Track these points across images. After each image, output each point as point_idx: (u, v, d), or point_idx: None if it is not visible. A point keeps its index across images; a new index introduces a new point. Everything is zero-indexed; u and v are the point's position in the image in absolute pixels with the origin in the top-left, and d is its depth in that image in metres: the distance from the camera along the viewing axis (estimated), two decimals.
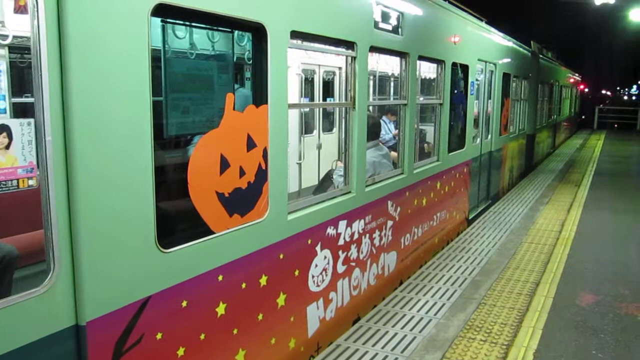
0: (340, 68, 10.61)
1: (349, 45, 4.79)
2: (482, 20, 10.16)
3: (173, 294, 3.05)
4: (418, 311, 5.58)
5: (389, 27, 5.52)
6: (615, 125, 36.10)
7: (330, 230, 4.68)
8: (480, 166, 9.84)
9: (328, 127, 10.13)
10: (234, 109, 3.43)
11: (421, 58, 6.46)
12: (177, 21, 3.18)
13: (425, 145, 7.96)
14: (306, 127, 10.05)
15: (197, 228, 3.23)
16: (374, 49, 5.26)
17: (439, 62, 7.21)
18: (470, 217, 9.20)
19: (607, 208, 10.82)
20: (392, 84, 10.79)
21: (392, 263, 6.09)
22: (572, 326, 5.30)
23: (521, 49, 13.28)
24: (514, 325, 5.23)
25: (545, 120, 18.38)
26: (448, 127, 7.61)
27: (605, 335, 5.16)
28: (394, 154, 8.41)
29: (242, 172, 3.52)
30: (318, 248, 4.50)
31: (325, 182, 6.76)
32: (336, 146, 8.83)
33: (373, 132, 6.12)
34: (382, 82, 10.57)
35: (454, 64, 7.70)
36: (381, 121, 9.48)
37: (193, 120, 3.20)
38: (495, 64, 10.26)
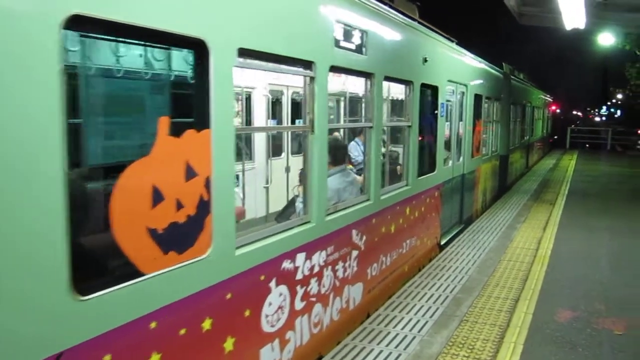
0: None
1: (307, 64, 4.48)
2: (452, 41, 10.01)
3: (93, 348, 2.63)
4: (402, 329, 5.64)
5: (352, 46, 5.23)
6: (587, 145, 36.57)
7: (287, 264, 4.30)
8: (452, 189, 9.59)
9: (297, 149, 9.82)
10: (170, 134, 3.06)
11: (388, 79, 6.18)
12: (101, 35, 2.82)
13: (398, 167, 7.69)
14: (274, 150, 9.72)
15: (122, 269, 2.83)
16: (335, 69, 4.96)
17: (407, 83, 6.96)
18: (442, 243, 8.90)
19: (582, 226, 10.96)
20: (363, 105, 10.58)
21: (358, 295, 5.72)
22: (552, 341, 5.44)
23: (493, 71, 13.20)
24: (496, 341, 5.35)
25: (518, 141, 18.34)
26: (417, 150, 7.33)
27: (583, 349, 5.31)
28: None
29: (179, 205, 3.14)
30: (272, 284, 4.11)
31: (289, 209, 6.40)
32: None
33: (338, 157, 5.81)
34: (353, 103, 10.35)
35: (423, 85, 7.45)
36: (353, 143, 9.22)
37: (117, 147, 2.81)
38: (466, 85, 10.09)
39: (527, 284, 7.10)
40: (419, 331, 5.58)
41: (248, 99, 9.35)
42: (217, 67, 3.33)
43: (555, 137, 38.65)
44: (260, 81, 9.03)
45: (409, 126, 7.08)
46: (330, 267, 5.01)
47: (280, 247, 4.20)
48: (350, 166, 9.94)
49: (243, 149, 8.54)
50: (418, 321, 5.84)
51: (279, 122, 10.05)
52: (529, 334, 5.55)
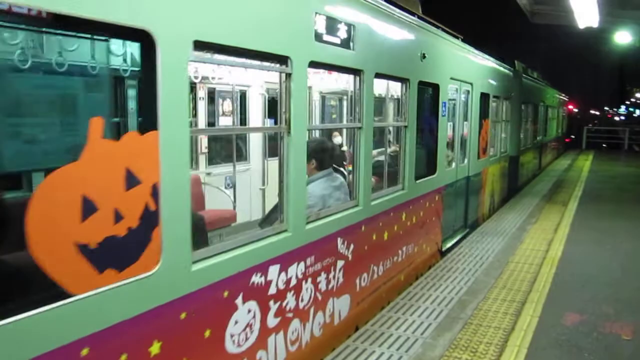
0: (310, 87, 10.04)
1: (281, 60, 4.11)
2: (457, 38, 9.57)
3: None
4: (405, 331, 5.54)
5: (337, 40, 4.84)
6: (604, 145, 35.78)
7: (257, 278, 3.93)
8: (456, 193, 9.15)
9: None
10: (105, 136, 2.70)
11: (380, 76, 5.78)
12: (19, 25, 2.47)
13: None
14: (272, 149, 9.34)
15: (44, 291, 2.49)
16: (316, 65, 4.59)
17: (403, 80, 6.55)
18: (444, 249, 8.47)
19: (594, 227, 10.66)
20: (350, 104, 10.18)
21: (345, 308, 5.33)
22: (557, 345, 5.31)
23: (501, 68, 12.71)
24: (500, 345, 5.24)
25: (530, 141, 17.77)
26: (415, 151, 6.92)
27: (589, 354, 5.15)
28: None
29: (118, 217, 2.78)
30: (239, 301, 3.75)
31: (273, 214, 6.02)
32: None
33: (324, 160, 5.43)
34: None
35: (422, 83, 7.04)
36: None
37: (36, 151, 2.46)
38: (471, 84, 9.63)
39: (535, 286, 6.93)
40: (422, 333, 5.48)
41: (243, 97, 9.02)
42: (166, 62, 2.96)
43: (573, 136, 37.89)
44: (256, 79, 8.69)
45: (405, 126, 6.67)
46: (310, 279, 4.63)
47: (248, 259, 3.83)
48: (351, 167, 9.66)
49: (234, 148, 8.24)
50: (422, 323, 5.74)
51: (277, 121, 9.71)
52: (534, 337, 5.41)
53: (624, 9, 15.74)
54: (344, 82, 8.34)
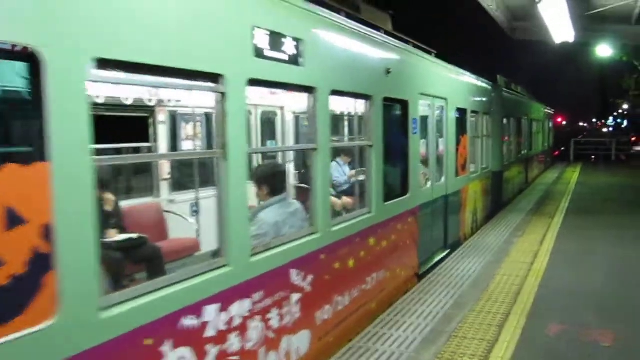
0: (282, 108, 9.72)
1: (213, 78, 3.75)
2: (430, 53, 9.30)
3: None
4: (390, 346, 5.54)
5: (283, 56, 4.51)
6: (592, 157, 35.86)
7: (189, 321, 3.52)
8: (434, 213, 8.78)
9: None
10: None
11: (337, 93, 5.44)
12: None
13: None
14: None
15: None
16: (257, 83, 4.23)
17: (366, 97, 6.21)
18: (421, 272, 8.06)
19: (579, 238, 10.83)
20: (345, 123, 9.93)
21: (304, 345, 4.90)
22: (540, 355, 5.39)
23: (479, 83, 12.46)
24: (483, 356, 5.28)
25: (515, 155, 17.48)
26: (382, 172, 6.55)
27: None
28: (346, 199, 7.40)
29: None
30: (166, 348, 3.32)
31: None
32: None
33: (277, 185, 5.07)
34: (337, 121, 9.68)
35: (388, 100, 6.71)
36: (334, 163, 8.47)
37: None
38: (446, 99, 9.33)
39: (520, 298, 6.99)
40: (407, 348, 5.48)
41: (209, 120, 8.67)
42: (57, 83, 2.60)
43: (563, 148, 37.94)
44: None
45: (370, 146, 6.31)
46: (259, 317, 4.21)
47: (177, 300, 3.43)
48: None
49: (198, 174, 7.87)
50: (407, 338, 5.75)
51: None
52: (517, 348, 5.47)
53: (599, 24, 15.88)
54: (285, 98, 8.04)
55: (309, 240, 4.96)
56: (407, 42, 8.21)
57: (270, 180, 4.97)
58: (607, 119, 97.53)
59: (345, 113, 9.34)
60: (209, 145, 8.55)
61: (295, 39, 4.67)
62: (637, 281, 7.91)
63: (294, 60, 4.66)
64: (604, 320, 6.27)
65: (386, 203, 6.67)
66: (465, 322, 6.13)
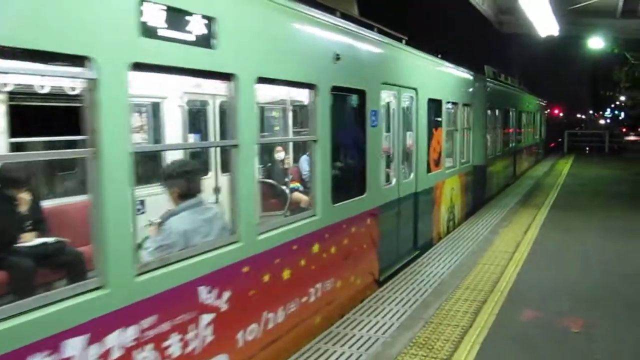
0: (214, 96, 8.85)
1: (78, 61, 3.07)
2: (400, 40, 8.61)
3: None
4: (367, 331, 5.67)
5: (187, 37, 3.82)
6: (587, 149, 35.59)
7: (45, 359, 2.86)
8: (399, 213, 8.11)
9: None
10: None
11: (266, 81, 4.76)
12: None
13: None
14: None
15: None
16: (146, 67, 3.55)
17: (308, 86, 5.53)
18: (382, 278, 7.40)
19: (563, 228, 10.96)
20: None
21: None
22: (511, 340, 5.51)
23: (458, 73, 11.75)
24: (456, 341, 5.40)
25: (501, 148, 16.79)
26: (332, 170, 5.89)
27: (539, 347, 5.38)
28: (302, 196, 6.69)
29: None
30: None
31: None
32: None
33: (189, 187, 4.40)
34: (300, 112, 9.04)
35: (338, 89, 6.02)
36: (305, 157, 7.79)
37: None
38: (415, 89, 8.63)
39: (497, 287, 7.10)
40: (383, 333, 5.60)
41: (156, 110, 7.96)
42: None
43: (560, 139, 37.50)
44: (172, 90, 7.64)
45: (315, 141, 5.64)
46: (151, 345, 3.55)
47: (25, 334, 2.77)
48: (297, 184, 8.60)
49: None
50: (384, 323, 5.86)
51: (204, 137, 8.65)
52: (489, 333, 5.60)
53: (585, 18, 15.67)
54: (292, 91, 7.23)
55: (227, 251, 4.30)
56: (371, 27, 7.52)
57: (179, 181, 4.31)
58: (604, 111, 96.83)
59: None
60: (156, 140, 7.89)
61: (207, 17, 3.99)
62: (619, 271, 7.94)
63: (203, 41, 3.98)
64: (578, 308, 6.37)
65: (335, 204, 5.99)
66: (442, 309, 6.26)
